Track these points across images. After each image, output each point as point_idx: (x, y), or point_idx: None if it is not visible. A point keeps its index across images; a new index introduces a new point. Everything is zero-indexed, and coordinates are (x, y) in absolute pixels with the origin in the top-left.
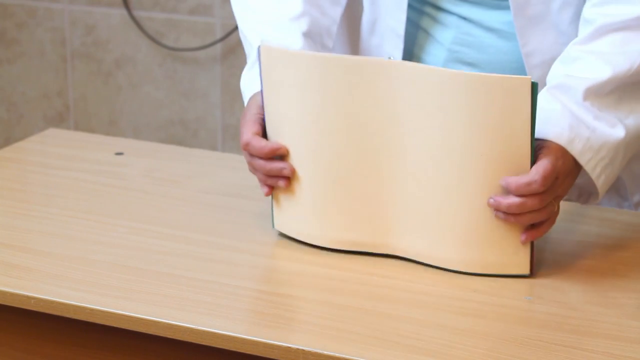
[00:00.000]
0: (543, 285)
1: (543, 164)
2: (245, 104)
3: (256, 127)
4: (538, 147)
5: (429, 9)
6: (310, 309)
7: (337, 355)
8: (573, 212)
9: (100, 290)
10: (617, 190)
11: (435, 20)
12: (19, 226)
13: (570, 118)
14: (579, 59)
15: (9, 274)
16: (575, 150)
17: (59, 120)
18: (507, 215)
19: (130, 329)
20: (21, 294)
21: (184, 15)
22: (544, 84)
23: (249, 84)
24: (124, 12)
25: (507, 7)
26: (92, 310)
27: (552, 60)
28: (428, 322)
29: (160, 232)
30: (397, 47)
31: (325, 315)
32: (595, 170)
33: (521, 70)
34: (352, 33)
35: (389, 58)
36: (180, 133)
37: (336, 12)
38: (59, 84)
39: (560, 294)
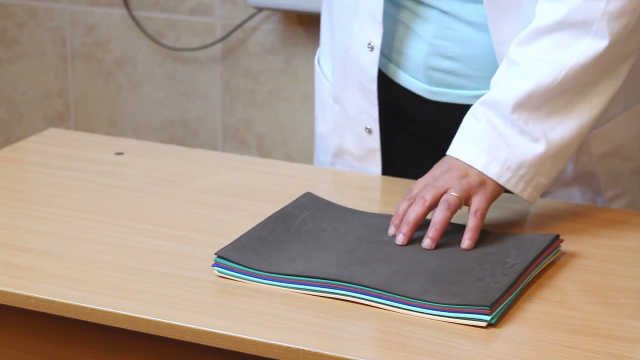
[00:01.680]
0: (543, 285)
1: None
2: None
3: None
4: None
5: (407, 2)
6: (310, 309)
7: (337, 355)
8: (571, 212)
9: (100, 290)
10: (591, 185)
11: (415, 14)
12: (19, 226)
13: (492, 138)
14: (516, 64)
15: (9, 274)
16: (492, 172)
17: (59, 120)
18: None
19: (130, 329)
20: (21, 294)
21: (184, 15)
22: None
23: None
24: (124, 12)
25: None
26: (92, 310)
27: None
28: (428, 322)
29: (160, 232)
30: (376, 32)
31: (325, 316)
32: (518, 185)
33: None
34: (334, 18)
35: (369, 44)
36: (180, 133)
37: None
38: (59, 84)
39: (560, 294)
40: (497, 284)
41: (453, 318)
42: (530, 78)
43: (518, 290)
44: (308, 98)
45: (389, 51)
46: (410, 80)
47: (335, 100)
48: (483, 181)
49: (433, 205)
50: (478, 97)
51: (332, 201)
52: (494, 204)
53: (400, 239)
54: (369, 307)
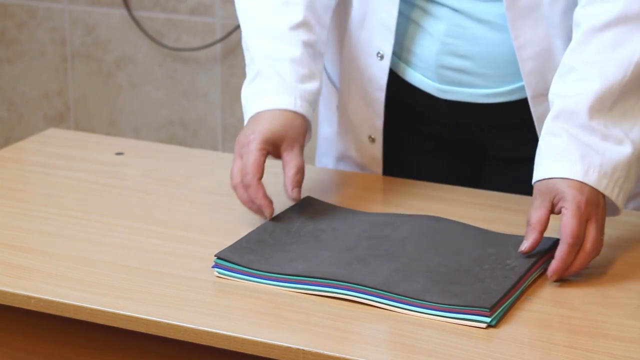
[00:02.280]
0: (543, 285)
1: (568, 224)
2: (246, 120)
3: (261, 171)
4: (556, 196)
5: (420, 1)
6: (310, 309)
7: (337, 355)
8: None
9: (100, 290)
10: None
11: (426, 12)
12: (19, 226)
13: (580, 147)
14: (573, 69)
15: (9, 274)
16: (591, 180)
17: (59, 120)
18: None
19: (130, 329)
20: (21, 294)
21: (184, 15)
22: (536, 77)
23: (251, 99)
24: (124, 12)
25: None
26: (92, 310)
27: (544, 52)
28: (428, 322)
29: (160, 232)
30: (387, 41)
31: (325, 315)
32: (614, 191)
33: (513, 62)
34: (340, 27)
35: (378, 53)
36: (180, 133)
37: (327, 17)
38: (59, 84)
39: (560, 294)
40: (497, 286)
41: (453, 318)
42: (595, 80)
43: (518, 293)
44: None
45: (400, 50)
46: (420, 78)
47: (340, 106)
48: (598, 199)
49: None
50: (489, 95)
51: (334, 201)
52: (496, 204)
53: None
54: (369, 306)
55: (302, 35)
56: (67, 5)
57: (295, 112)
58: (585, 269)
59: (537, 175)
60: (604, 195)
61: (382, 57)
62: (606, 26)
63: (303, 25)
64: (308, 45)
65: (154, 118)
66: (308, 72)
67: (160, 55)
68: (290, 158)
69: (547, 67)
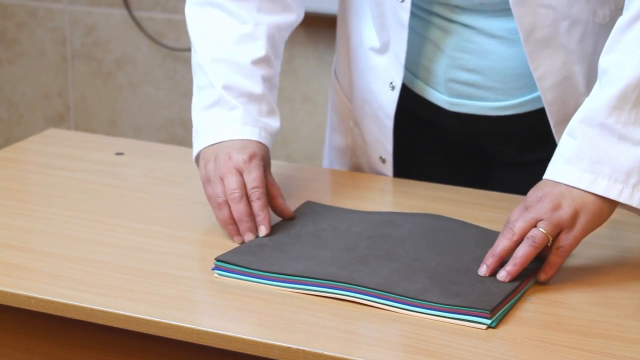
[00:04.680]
0: (543, 285)
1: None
2: (203, 143)
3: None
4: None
5: (436, 20)
6: (310, 309)
7: (337, 355)
8: None
9: (100, 290)
10: None
11: (438, 28)
12: (19, 226)
13: (592, 152)
14: (605, 72)
15: (9, 274)
16: (599, 189)
17: (59, 120)
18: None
19: (130, 329)
20: (21, 294)
21: (184, 15)
22: (558, 105)
23: (213, 125)
24: (124, 12)
25: (509, 15)
26: (92, 310)
27: (564, 80)
28: (428, 322)
29: (160, 232)
30: (398, 73)
31: (325, 315)
32: (634, 196)
33: (522, 76)
34: (352, 47)
35: (391, 83)
36: (180, 133)
37: (282, 49)
38: (59, 84)
39: (560, 294)
40: (497, 288)
41: (453, 319)
42: (620, 77)
43: (519, 295)
44: (308, 98)
45: (415, 68)
46: (431, 92)
47: (355, 124)
48: (576, 213)
49: (521, 239)
50: (498, 108)
51: (333, 200)
52: (496, 204)
53: (482, 270)
54: (369, 307)
55: (263, 70)
56: (67, 5)
57: (260, 143)
58: (585, 269)
59: (546, 174)
60: (614, 202)
61: (393, 88)
62: (631, 22)
63: (264, 60)
64: (267, 80)
65: (154, 118)
66: (268, 109)
67: (160, 55)
68: (274, 184)
69: (567, 95)
